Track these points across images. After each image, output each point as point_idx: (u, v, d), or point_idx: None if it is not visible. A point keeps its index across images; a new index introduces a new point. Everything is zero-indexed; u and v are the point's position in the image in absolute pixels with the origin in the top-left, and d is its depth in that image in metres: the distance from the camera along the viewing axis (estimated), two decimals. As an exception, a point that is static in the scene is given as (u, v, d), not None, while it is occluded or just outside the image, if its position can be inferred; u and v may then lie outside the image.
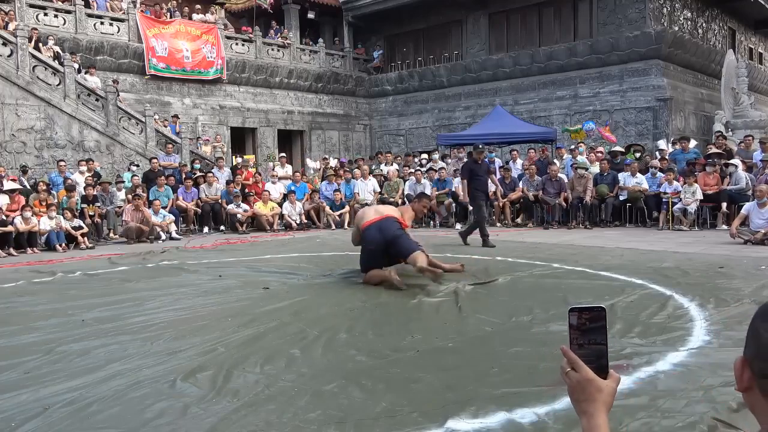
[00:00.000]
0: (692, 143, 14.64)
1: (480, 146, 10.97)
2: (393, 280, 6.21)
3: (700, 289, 5.84)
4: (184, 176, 14.90)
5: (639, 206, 13.03)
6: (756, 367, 1.02)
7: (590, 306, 1.18)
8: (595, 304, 1.19)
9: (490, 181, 11.43)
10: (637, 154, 14.61)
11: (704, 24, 22.85)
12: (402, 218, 6.83)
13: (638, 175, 13.19)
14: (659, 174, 13.04)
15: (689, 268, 7.15)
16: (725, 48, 23.04)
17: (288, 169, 17.19)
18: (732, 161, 12.56)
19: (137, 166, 15.40)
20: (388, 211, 6.88)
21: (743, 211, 10.18)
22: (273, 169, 16.87)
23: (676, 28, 20.59)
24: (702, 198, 12.03)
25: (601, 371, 1.19)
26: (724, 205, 11.95)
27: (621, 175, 13.35)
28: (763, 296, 5.47)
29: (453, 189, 14.52)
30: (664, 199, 12.33)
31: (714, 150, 13.44)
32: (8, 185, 12.26)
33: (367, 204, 14.75)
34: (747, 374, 1.04)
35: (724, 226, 11.51)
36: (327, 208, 14.74)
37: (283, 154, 18.63)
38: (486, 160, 11.26)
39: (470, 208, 11.53)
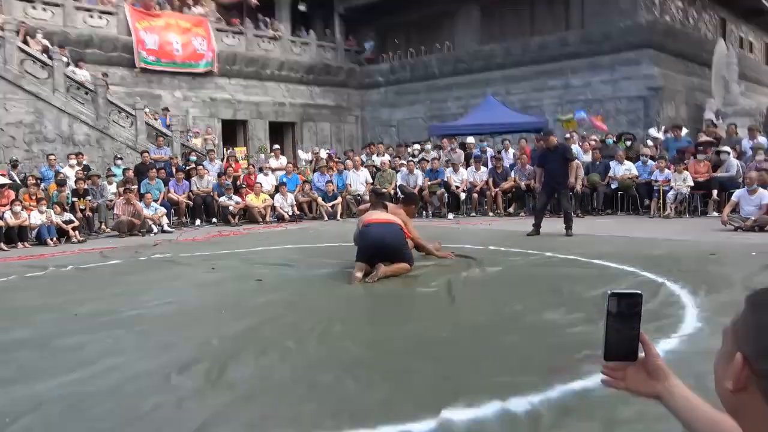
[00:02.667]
0: (683, 131, 14.70)
1: (545, 131, 10.45)
2: (354, 274, 6.17)
3: (692, 276, 5.87)
4: (175, 169, 14.85)
5: (631, 194, 13.09)
6: (763, 367, 0.93)
7: (629, 292, 1.18)
8: (631, 290, 1.19)
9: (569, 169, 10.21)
10: (628, 143, 14.65)
11: (695, 13, 22.87)
12: (407, 228, 6.78)
13: (626, 162, 13.24)
14: (650, 162, 13.09)
15: (681, 255, 7.19)
16: (716, 37, 23.07)
17: (283, 161, 17.15)
18: (724, 148, 12.62)
19: (121, 159, 15.31)
20: (392, 217, 6.73)
21: (734, 198, 10.24)
22: (266, 161, 16.81)
23: (667, 18, 20.61)
24: (693, 185, 12.09)
25: (632, 354, 1.21)
26: (715, 192, 12.02)
27: (612, 164, 13.40)
28: (755, 282, 5.51)
29: (445, 179, 14.53)
30: (655, 187, 12.39)
31: (705, 138, 13.50)
32: (-2, 180, 12.18)
33: (359, 195, 14.78)
34: (746, 373, 0.95)
35: (715, 214, 11.57)
36: (319, 200, 14.72)
37: (278, 146, 18.60)
38: (561, 145, 10.24)
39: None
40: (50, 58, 16.01)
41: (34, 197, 11.75)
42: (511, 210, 14.14)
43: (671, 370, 1.22)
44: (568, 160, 9.99)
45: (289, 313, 4.98)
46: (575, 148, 14.28)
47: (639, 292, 1.18)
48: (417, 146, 17.76)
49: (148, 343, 4.22)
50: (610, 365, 1.24)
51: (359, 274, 6.16)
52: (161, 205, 13.24)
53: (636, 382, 1.22)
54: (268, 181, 15.17)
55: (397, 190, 14.64)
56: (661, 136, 15.32)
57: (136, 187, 13.22)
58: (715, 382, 1.04)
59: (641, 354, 1.22)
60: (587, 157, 14.00)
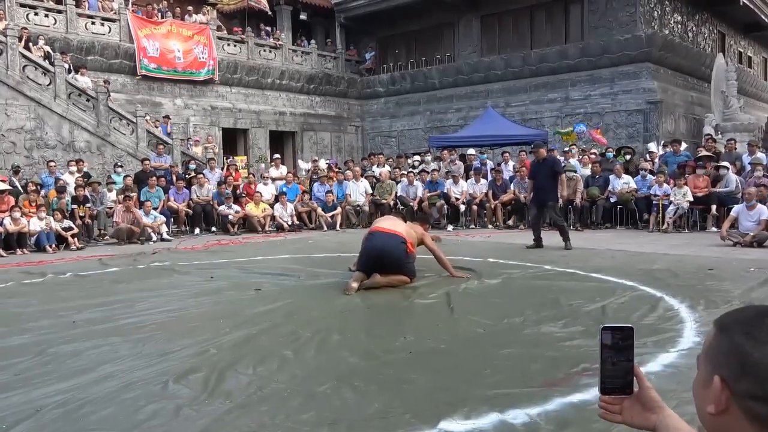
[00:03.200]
0: (683, 146, 14.75)
1: (536, 143, 10.45)
2: (350, 284, 6.14)
3: (690, 290, 5.88)
4: (175, 177, 14.86)
5: (630, 208, 13.10)
6: (742, 387, 0.96)
7: (621, 326, 1.24)
8: (623, 324, 1.25)
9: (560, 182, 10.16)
10: (628, 156, 14.68)
11: (694, 27, 23.00)
12: (411, 241, 6.69)
13: (624, 176, 13.27)
14: (649, 176, 13.12)
15: (679, 270, 7.20)
16: (715, 51, 23.19)
17: (283, 170, 17.17)
18: (723, 164, 12.65)
19: (121, 167, 15.33)
20: (400, 229, 6.64)
21: (732, 213, 10.25)
22: (266, 170, 16.82)
23: (667, 32, 20.71)
24: (692, 200, 12.11)
25: (628, 387, 1.25)
26: (714, 207, 12.04)
27: (611, 178, 13.42)
28: (752, 298, 5.52)
29: (445, 191, 14.55)
30: (654, 201, 12.41)
31: (704, 153, 13.53)
32: (-2, 186, 12.18)
33: (358, 205, 14.80)
34: (726, 395, 0.97)
35: (714, 229, 11.59)
36: (319, 210, 14.72)
37: (278, 156, 18.63)
38: (551, 157, 10.25)
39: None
40: (52, 64, 16.05)
41: (33, 204, 11.75)
42: (510, 222, 14.15)
43: (664, 402, 1.25)
44: (557, 173, 9.98)
45: (287, 323, 4.98)
46: (574, 161, 14.32)
47: (631, 326, 1.24)
48: (417, 157, 17.80)
49: (146, 351, 4.22)
50: (606, 399, 1.27)
51: (355, 285, 6.14)
52: (161, 213, 13.23)
53: (632, 414, 1.26)
54: (267, 191, 15.18)
55: (397, 201, 14.69)
56: (657, 150, 15.37)
57: (136, 194, 13.21)
58: (697, 408, 1.07)
59: (636, 388, 1.25)
60: (587, 171, 14.02)
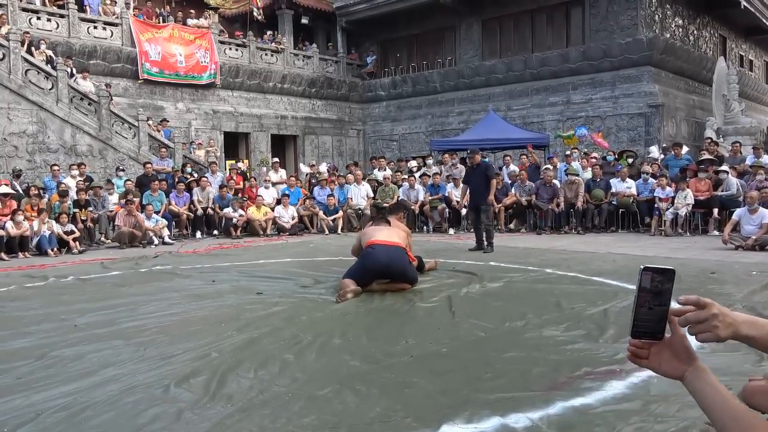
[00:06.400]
0: (684, 149, 14.74)
1: (471, 150, 10.92)
2: (345, 294, 6.07)
3: (692, 294, 5.85)
4: (176, 180, 14.87)
5: (632, 211, 13.10)
6: None
7: (664, 267, 1.19)
8: (665, 266, 1.18)
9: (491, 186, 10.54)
10: (630, 160, 14.68)
11: (695, 31, 23.02)
12: (410, 251, 6.76)
13: (628, 180, 13.27)
14: (651, 180, 13.11)
15: (681, 273, 7.18)
16: (716, 55, 23.20)
17: (282, 174, 17.18)
18: (722, 168, 12.64)
19: (123, 170, 15.35)
20: (397, 239, 6.64)
21: (734, 217, 10.24)
22: (267, 174, 16.85)
23: (668, 35, 20.73)
24: (693, 203, 12.10)
25: (660, 333, 1.21)
26: (716, 210, 12.03)
27: (612, 181, 13.42)
28: (754, 301, 5.51)
29: (446, 194, 14.55)
30: (656, 205, 12.40)
31: (707, 156, 13.53)
32: (0, 189, 12.19)
33: (360, 209, 14.80)
34: None
35: (716, 232, 11.58)
36: (321, 213, 14.73)
37: (276, 159, 18.61)
38: (483, 163, 10.84)
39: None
40: (54, 68, 16.09)
41: (35, 207, 11.76)
42: (511, 226, 14.15)
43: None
44: (489, 177, 10.31)
45: (288, 326, 4.98)
46: (576, 165, 14.33)
47: (673, 268, 1.19)
48: (414, 163, 17.61)
49: (148, 355, 4.21)
50: (636, 343, 1.23)
51: (350, 296, 6.04)
52: (162, 216, 13.25)
53: (660, 361, 1.22)
54: (269, 194, 15.20)
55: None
56: (657, 153, 15.37)
57: (138, 198, 13.23)
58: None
59: (667, 334, 1.20)
60: (587, 174, 14.02)
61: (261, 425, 2.94)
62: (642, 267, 1.19)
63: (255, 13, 22.74)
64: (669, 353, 1.20)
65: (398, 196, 14.92)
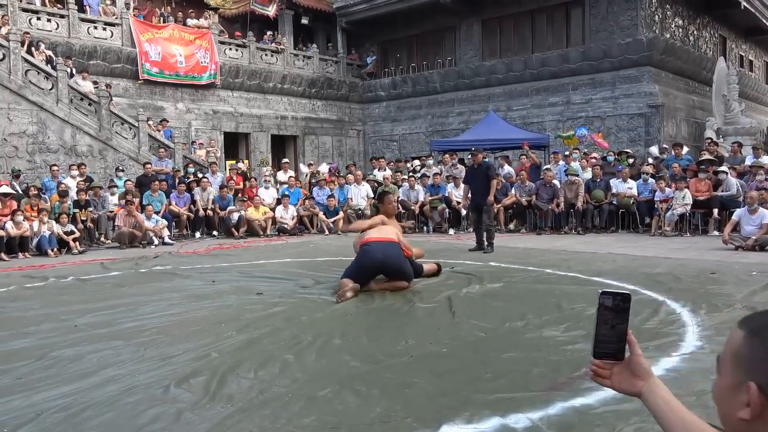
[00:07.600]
0: (684, 150, 14.75)
1: (474, 149, 10.90)
2: (345, 293, 6.07)
3: (692, 294, 5.87)
4: (177, 181, 14.87)
5: (632, 211, 13.09)
6: None
7: (620, 292, 1.29)
8: (622, 291, 1.30)
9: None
10: (630, 161, 14.68)
11: (695, 31, 23.01)
12: (405, 246, 6.76)
13: (629, 180, 13.26)
14: (651, 180, 13.11)
15: (681, 273, 7.19)
16: (716, 55, 23.20)
17: (291, 174, 17.18)
18: (722, 168, 12.64)
19: (123, 171, 15.34)
20: (391, 234, 6.70)
21: (734, 217, 10.24)
22: (274, 174, 16.86)
23: (668, 36, 20.72)
24: (692, 203, 12.10)
25: (620, 353, 1.29)
26: (716, 211, 12.03)
27: (613, 181, 13.42)
28: (754, 302, 5.51)
29: (446, 194, 14.55)
30: (656, 205, 12.39)
31: (707, 156, 13.53)
32: (0, 189, 12.19)
33: (360, 210, 14.79)
34: (762, 401, 0.97)
35: (716, 232, 11.57)
36: (321, 214, 14.73)
37: (286, 160, 18.60)
38: (485, 163, 10.78)
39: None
40: (54, 68, 16.09)
41: (35, 208, 11.76)
42: (512, 226, 14.14)
43: (655, 373, 1.28)
44: (490, 177, 10.30)
45: (288, 327, 4.98)
46: (576, 165, 14.33)
47: (628, 292, 1.29)
48: (417, 162, 17.72)
49: (148, 355, 4.21)
50: (598, 363, 1.30)
51: (350, 294, 6.06)
52: (162, 217, 13.24)
53: (620, 380, 1.29)
54: (269, 195, 15.20)
55: (398, 205, 14.67)
56: (656, 152, 15.36)
57: (138, 198, 13.22)
58: (722, 412, 1.06)
59: (627, 354, 1.29)
60: (587, 174, 14.02)
61: (261, 426, 2.94)
62: (600, 291, 1.30)
63: (268, 10, 22.64)
64: (628, 372, 1.28)
65: (398, 197, 14.91)
